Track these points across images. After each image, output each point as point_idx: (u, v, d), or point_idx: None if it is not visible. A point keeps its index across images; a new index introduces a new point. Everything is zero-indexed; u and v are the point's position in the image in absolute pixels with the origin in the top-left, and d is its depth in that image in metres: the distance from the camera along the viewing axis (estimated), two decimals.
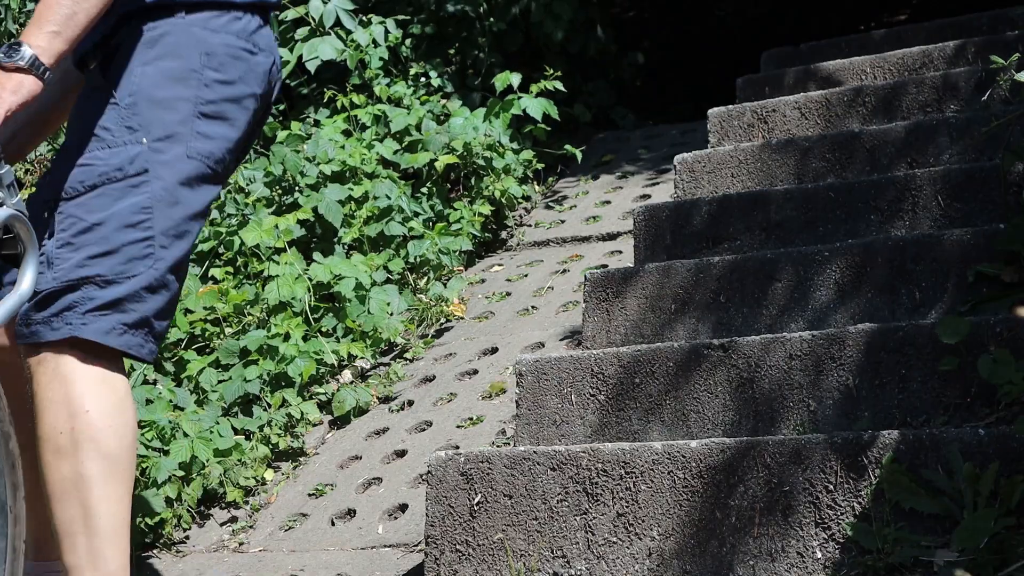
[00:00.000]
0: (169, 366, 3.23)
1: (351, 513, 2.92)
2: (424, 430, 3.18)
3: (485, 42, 5.13)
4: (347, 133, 4.38)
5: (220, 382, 3.25)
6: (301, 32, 4.64)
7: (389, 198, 3.99)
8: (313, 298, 3.54)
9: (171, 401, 3.09)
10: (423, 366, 3.58)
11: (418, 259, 3.93)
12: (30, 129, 2.16)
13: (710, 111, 3.92)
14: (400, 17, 4.91)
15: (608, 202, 4.49)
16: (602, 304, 2.97)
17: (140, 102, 1.97)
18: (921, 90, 3.59)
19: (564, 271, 3.96)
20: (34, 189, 2.03)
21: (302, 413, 3.27)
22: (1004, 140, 3.08)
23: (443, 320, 3.83)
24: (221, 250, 3.78)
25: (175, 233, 1.97)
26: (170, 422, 3.04)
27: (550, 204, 4.65)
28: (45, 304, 1.90)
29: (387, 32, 4.70)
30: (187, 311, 3.46)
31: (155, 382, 3.24)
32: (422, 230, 4.03)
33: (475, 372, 3.40)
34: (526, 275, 4.01)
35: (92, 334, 1.90)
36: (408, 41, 4.99)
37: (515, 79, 4.50)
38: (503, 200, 4.35)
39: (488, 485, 2.29)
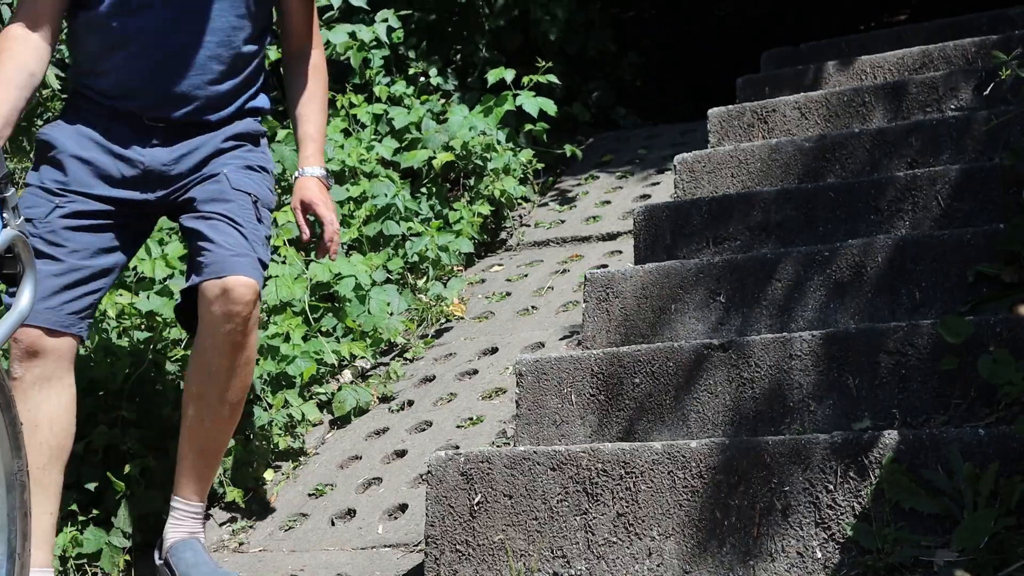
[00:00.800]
0: (171, 366, 3.22)
1: (351, 513, 2.91)
2: (424, 430, 3.18)
3: (484, 41, 5.12)
4: (346, 133, 4.38)
5: None
6: None
7: (387, 196, 3.99)
8: (313, 298, 3.54)
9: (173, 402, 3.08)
10: (423, 366, 3.58)
11: (417, 257, 3.93)
12: None
13: (710, 111, 3.92)
14: (403, 12, 4.90)
15: (608, 202, 4.49)
16: (602, 304, 2.97)
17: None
18: (921, 90, 3.59)
19: (564, 271, 3.96)
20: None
21: (302, 413, 3.27)
22: (1004, 140, 3.08)
23: (443, 320, 3.83)
24: None
25: None
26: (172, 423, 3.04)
27: (550, 204, 4.65)
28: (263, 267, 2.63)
29: (390, 29, 4.70)
30: None
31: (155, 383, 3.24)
32: (421, 229, 4.03)
33: (475, 372, 3.40)
34: (526, 275, 4.01)
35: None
36: (410, 40, 4.99)
37: (508, 74, 4.49)
38: (503, 200, 4.35)
39: (488, 485, 2.29)
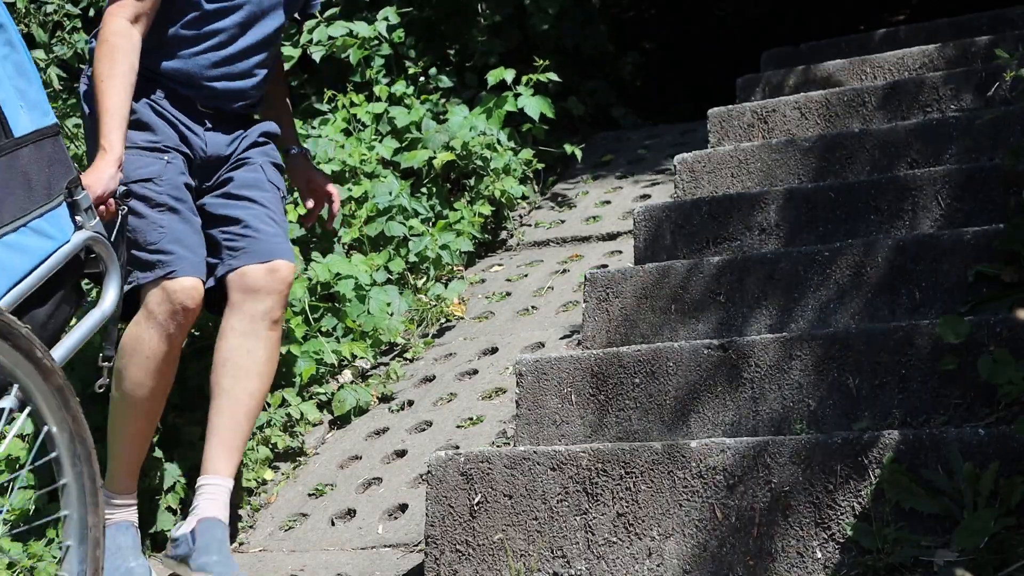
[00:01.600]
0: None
1: (351, 513, 2.92)
2: (424, 430, 3.18)
3: (483, 39, 5.12)
4: (347, 132, 4.38)
5: None
6: (308, 24, 4.64)
7: (390, 195, 3.99)
8: (313, 298, 3.54)
9: (175, 403, 3.08)
10: (423, 366, 3.58)
11: (418, 257, 3.93)
12: None
13: (710, 111, 3.92)
14: (403, 11, 4.90)
15: (608, 202, 4.49)
16: (602, 304, 2.97)
17: None
18: (921, 90, 3.59)
19: (564, 271, 3.96)
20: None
21: (302, 413, 3.27)
22: (1004, 140, 3.08)
23: (443, 320, 3.83)
24: None
25: None
26: (173, 425, 3.05)
27: (550, 204, 4.64)
28: None
29: (391, 28, 4.70)
30: None
31: None
32: (422, 229, 4.03)
33: (475, 372, 3.40)
34: (526, 275, 4.01)
35: None
36: (409, 39, 4.98)
37: (508, 75, 4.49)
38: (503, 200, 4.34)
39: (488, 485, 2.29)
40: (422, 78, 4.86)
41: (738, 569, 2.06)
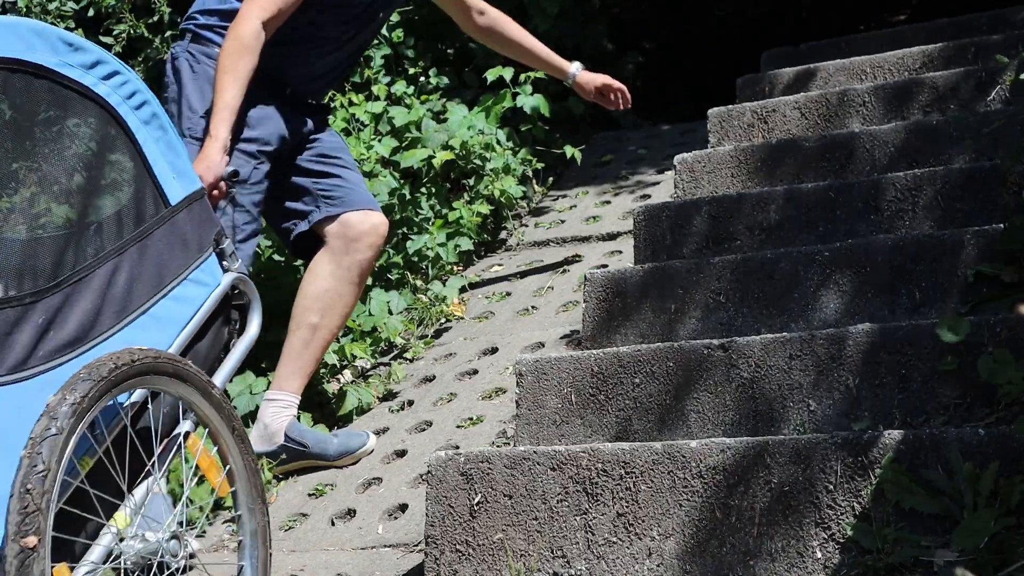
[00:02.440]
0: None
1: (351, 513, 2.91)
2: (424, 430, 3.18)
3: None
4: (346, 132, 4.38)
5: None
6: None
7: (392, 195, 3.99)
8: None
9: None
10: (423, 366, 3.58)
11: (417, 257, 3.93)
12: None
13: (710, 111, 3.92)
14: (402, 9, 4.89)
15: (608, 202, 4.49)
16: (602, 304, 2.97)
17: None
18: (921, 90, 3.59)
19: (564, 271, 3.96)
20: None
21: (300, 414, 3.27)
22: (1004, 140, 3.08)
23: (443, 320, 3.83)
24: None
25: None
26: None
27: (550, 204, 4.64)
28: None
29: (390, 27, 4.69)
30: None
31: None
32: (421, 228, 4.03)
33: (475, 372, 3.40)
34: (526, 275, 4.01)
35: None
36: (409, 39, 4.98)
37: (507, 73, 4.49)
38: (502, 200, 4.34)
39: (488, 485, 2.29)
40: (421, 78, 4.86)
41: (738, 569, 2.06)
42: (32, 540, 1.64)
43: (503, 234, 4.44)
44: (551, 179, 4.88)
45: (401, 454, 3.10)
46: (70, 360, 1.90)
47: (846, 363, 2.38)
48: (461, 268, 4.14)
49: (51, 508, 1.67)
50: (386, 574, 2.60)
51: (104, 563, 1.85)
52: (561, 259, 4.05)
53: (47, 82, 1.95)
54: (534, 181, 4.71)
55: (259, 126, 3.02)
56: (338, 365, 3.48)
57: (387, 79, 4.70)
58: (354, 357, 3.52)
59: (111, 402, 1.87)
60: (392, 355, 3.69)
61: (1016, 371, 2.12)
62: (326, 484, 3.07)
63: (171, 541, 1.93)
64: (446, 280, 3.98)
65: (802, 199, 3.08)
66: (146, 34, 4.56)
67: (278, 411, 3.08)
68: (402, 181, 4.17)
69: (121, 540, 1.87)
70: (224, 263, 2.27)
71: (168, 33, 4.56)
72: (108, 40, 4.52)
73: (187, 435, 2.06)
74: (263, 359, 3.38)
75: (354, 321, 3.54)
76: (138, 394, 1.97)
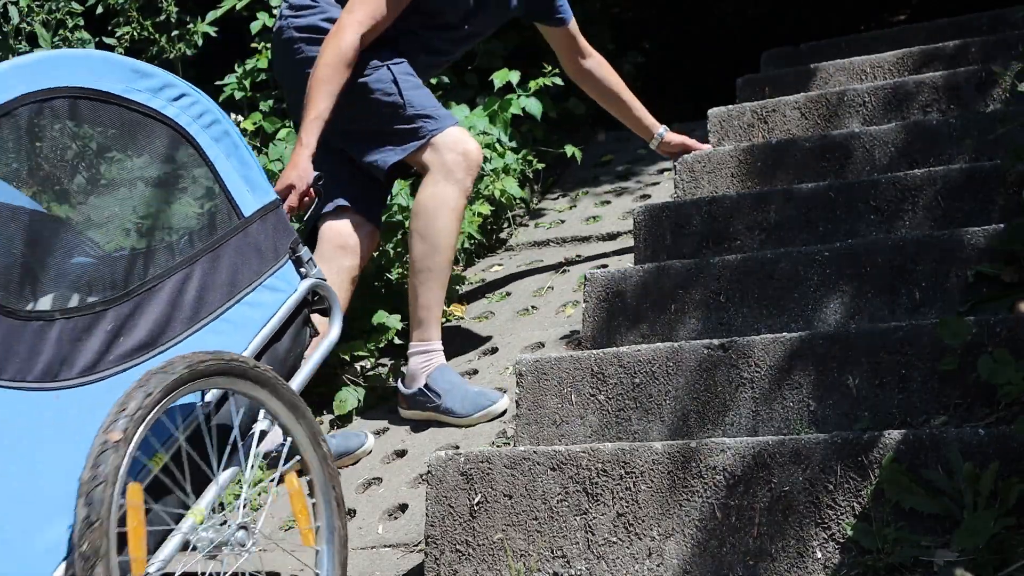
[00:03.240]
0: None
1: (351, 513, 2.91)
2: (424, 430, 3.18)
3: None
4: None
5: None
6: None
7: (392, 195, 3.98)
8: None
9: None
10: None
11: None
12: None
13: (710, 111, 3.92)
14: None
15: (608, 202, 4.49)
16: (602, 304, 2.97)
17: None
18: (921, 90, 3.59)
19: (564, 271, 3.96)
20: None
21: None
22: (1004, 140, 3.08)
23: (443, 320, 3.83)
24: None
25: None
26: None
27: (550, 204, 4.64)
28: None
29: None
30: None
31: None
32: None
33: (475, 372, 3.40)
34: (526, 275, 4.01)
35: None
36: None
37: (514, 76, 4.48)
38: (503, 200, 4.34)
39: (488, 485, 2.29)
40: None
41: (738, 569, 2.06)
42: (117, 435, 1.81)
43: (503, 234, 4.44)
44: (551, 179, 4.87)
45: (401, 454, 3.10)
46: (139, 363, 2.02)
47: (846, 363, 2.38)
48: (461, 268, 4.14)
49: (118, 483, 1.79)
50: (386, 574, 2.60)
51: (181, 551, 1.99)
52: (561, 259, 4.05)
53: (115, 107, 2.08)
54: (534, 181, 4.71)
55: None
56: (338, 365, 3.48)
57: None
58: (354, 357, 3.52)
59: (185, 401, 2.01)
60: (392, 355, 3.69)
61: (1016, 371, 2.12)
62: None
63: (239, 532, 2.05)
64: None
65: (802, 199, 3.08)
66: (152, 34, 4.55)
67: (424, 360, 3.16)
68: (402, 182, 4.17)
69: (196, 530, 2.00)
70: (302, 269, 2.36)
71: (175, 33, 4.56)
72: (111, 42, 4.52)
73: (263, 434, 2.16)
74: None
75: (354, 321, 3.54)
76: (213, 394, 2.08)
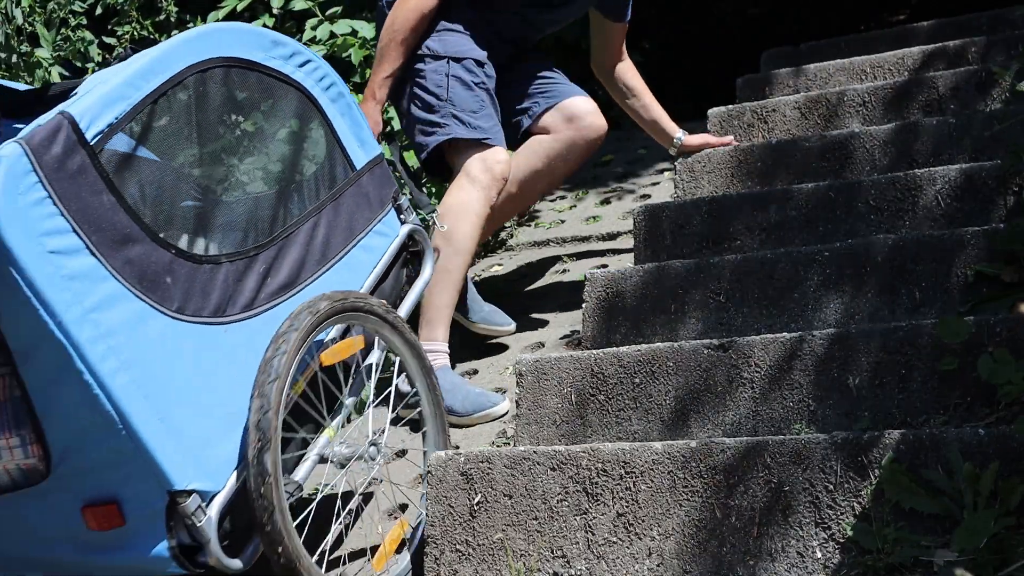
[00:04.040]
0: None
1: (351, 513, 2.91)
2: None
3: None
4: None
5: None
6: (311, 22, 4.64)
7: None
8: None
9: None
10: None
11: None
12: None
13: (710, 111, 3.92)
14: None
15: (608, 202, 4.49)
16: (602, 304, 2.97)
17: None
18: (921, 90, 3.59)
19: (564, 271, 3.96)
20: None
21: None
22: (1005, 140, 3.08)
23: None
24: None
25: None
26: None
27: (550, 204, 4.64)
28: None
29: None
30: None
31: None
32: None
33: (475, 372, 3.40)
34: (526, 275, 4.01)
35: None
36: None
37: None
38: None
39: (488, 485, 2.29)
40: None
41: (738, 569, 2.06)
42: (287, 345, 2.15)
43: (503, 234, 4.44)
44: None
45: (401, 454, 3.10)
46: (284, 301, 2.28)
47: (846, 363, 2.38)
48: None
49: (282, 403, 2.09)
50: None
51: (319, 463, 2.32)
52: (561, 259, 4.05)
53: (257, 73, 2.34)
54: None
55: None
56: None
57: None
58: None
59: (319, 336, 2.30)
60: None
61: (1016, 371, 2.12)
62: (326, 484, 3.06)
63: (371, 447, 2.40)
64: None
65: (802, 199, 3.08)
66: (153, 34, 4.55)
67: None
68: (402, 181, 4.17)
69: (331, 444, 2.33)
70: (401, 216, 2.63)
71: (174, 32, 4.56)
72: (111, 41, 4.52)
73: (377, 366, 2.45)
74: None
75: None
76: (337, 329, 2.35)
